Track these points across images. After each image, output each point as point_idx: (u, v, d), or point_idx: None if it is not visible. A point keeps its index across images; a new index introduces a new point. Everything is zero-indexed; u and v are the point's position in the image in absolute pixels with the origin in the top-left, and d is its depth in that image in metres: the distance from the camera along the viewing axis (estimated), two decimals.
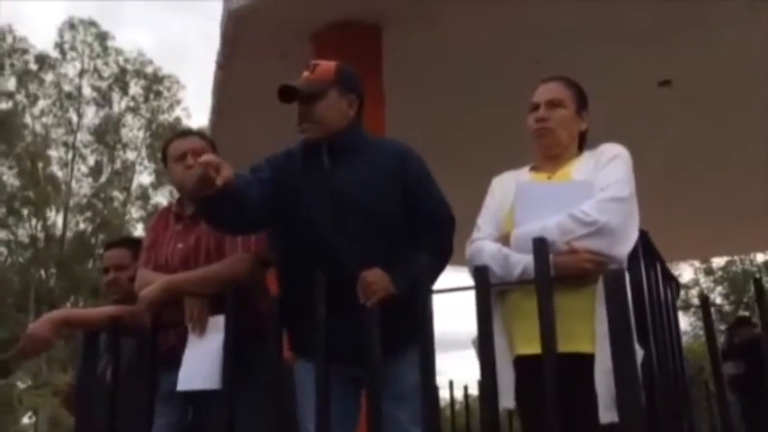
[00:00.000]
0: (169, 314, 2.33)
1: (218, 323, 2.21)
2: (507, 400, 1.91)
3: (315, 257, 2.09)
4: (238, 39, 4.66)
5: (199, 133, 2.78)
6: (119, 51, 25.62)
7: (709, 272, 22.79)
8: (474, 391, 5.76)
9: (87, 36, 25.25)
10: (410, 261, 1.89)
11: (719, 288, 22.40)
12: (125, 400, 2.43)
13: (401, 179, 2.18)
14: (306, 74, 2.23)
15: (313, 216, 2.13)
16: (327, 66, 2.26)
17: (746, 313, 12.54)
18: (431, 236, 2.18)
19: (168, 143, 2.63)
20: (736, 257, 21.60)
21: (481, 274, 1.76)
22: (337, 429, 1.91)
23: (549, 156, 2.15)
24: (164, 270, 2.44)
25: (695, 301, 18.89)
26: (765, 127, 6.57)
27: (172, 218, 2.57)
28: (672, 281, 2.48)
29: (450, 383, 6.20)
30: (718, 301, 20.73)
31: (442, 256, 2.21)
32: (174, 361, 2.35)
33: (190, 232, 2.48)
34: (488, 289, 1.74)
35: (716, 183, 7.93)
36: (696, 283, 22.45)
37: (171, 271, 2.42)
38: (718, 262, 22.21)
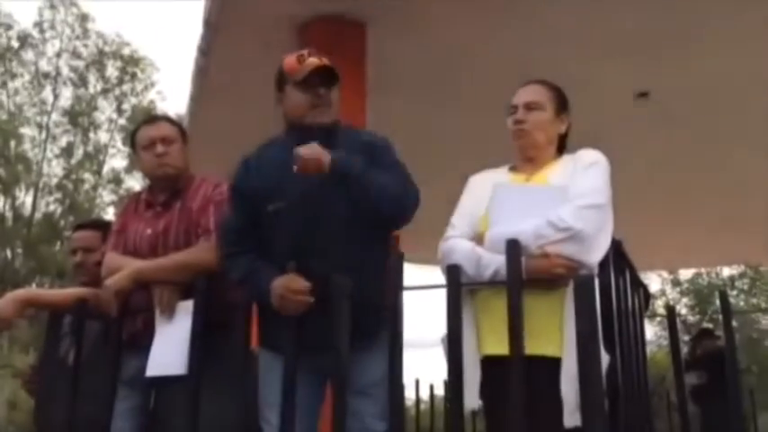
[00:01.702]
0: (137, 299, 2.31)
1: (186, 308, 2.20)
2: (473, 400, 1.92)
3: (286, 247, 2.09)
4: (221, 25, 4.62)
5: (168, 119, 2.70)
6: (99, 34, 25.22)
7: (676, 283, 23.14)
8: (439, 390, 5.80)
9: (68, 16, 24.82)
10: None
11: (685, 299, 22.76)
12: (87, 383, 2.41)
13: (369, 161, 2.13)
14: (318, 60, 2.20)
15: (283, 203, 2.13)
16: (326, 59, 2.25)
17: (710, 325, 12.77)
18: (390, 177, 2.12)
19: (136, 130, 2.58)
20: (702, 270, 21.97)
21: (452, 273, 1.77)
22: (299, 420, 1.90)
23: (527, 157, 2.17)
24: (132, 255, 2.42)
25: (661, 310, 19.18)
26: (739, 142, 6.69)
27: (142, 204, 2.54)
28: (641, 288, 2.51)
29: (417, 382, 6.23)
30: (684, 312, 21.09)
31: (395, 195, 2.08)
32: (139, 345, 2.33)
33: (159, 218, 2.46)
34: (459, 288, 1.75)
35: (688, 196, 8.06)
36: (663, 293, 22.79)
37: (139, 256, 2.39)
38: (684, 274, 22.57)
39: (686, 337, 12.11)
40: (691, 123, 6.39)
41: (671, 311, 2.43)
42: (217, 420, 2.13)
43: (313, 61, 2.19)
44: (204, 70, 5.11)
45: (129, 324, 2.35)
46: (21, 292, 2.51)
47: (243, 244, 2.19)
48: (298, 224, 2.10)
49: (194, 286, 2.13)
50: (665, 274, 21.82)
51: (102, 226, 2.90)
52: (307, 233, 2.09)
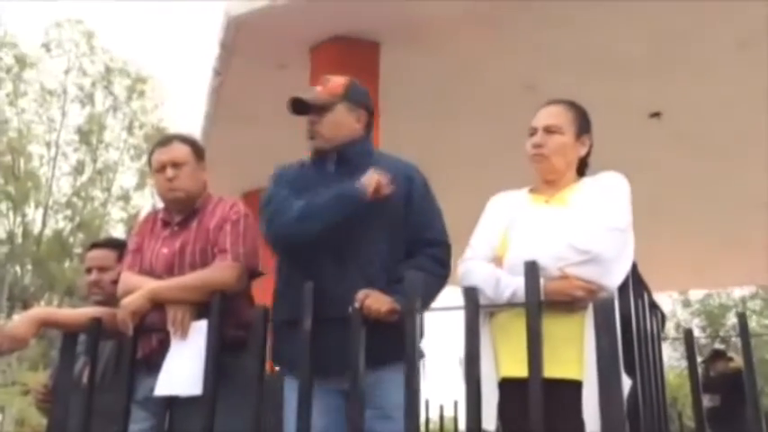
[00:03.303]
0: (152, 318, 2.30)
1: (199, 328, 2.19)
2: (489, 422, 1.90)
3: (308, 267, 2.11)
4: (236, 46, 4.65)
5: (182, 138, 2.61)
6: (105, 50, 25.44)
7: (686, 304, 22.98)
8: (450, 411, 5.76)
9: (74, 34, 25.06)
10: (408, 279, 1.89)
11: (696, 320, 22.59)
12: (102, 403, 2.40)
13: (405, 198, 2.22)
14: (318, 88, 2.33)
15: None
16: (338, 80, 2.35)
17: (722, 347, 12.65)
18: (428, 258, 2.19)
19: (152, 151, 2.58)
20: (713, 291, 21.81)
21: (470, 295, 1.76)
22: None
23: (546, 180, 2.16)
24: (148, 274, 2.41)
25: (671, 332, 19.05)
26: (750, 163, 6.68)
27: (159, 223, 2.54)
28: (657, 311, 2.49)
29: (426, 402, 6.19)
30: (696, 333, 20.88)
31: (438, 279, 2.18)
32: (153, 365, 2.32)
33: (176, 238, 2.45)
34: (477, 310, 1.74)
35: (698, 217, 8.02)
36: (674, 314, 22.63)
37: (155, 276, 2.38)
38: (695, 294, 22.41)
39: (699, 359, 11.97)
40: (703, 143, 6.38)
41: (689, 335, 2.41)
42: None
43: (317, 89, 2.32)
44: (219, 90, 5.15)
45: (145, 343, 2.34)
46: (36, 312, 2.50)
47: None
48: (320, 243, 2.13)
49: (209, 306, 2.12)
50: (675, 294, 21.68)
51: (117, 245, 2.88)
52: (328, 254, 2.13)
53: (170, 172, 2.45)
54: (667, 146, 6.40)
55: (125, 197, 26.12)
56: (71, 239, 24.32)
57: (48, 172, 24.65)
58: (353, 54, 4.43)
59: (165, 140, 2.62)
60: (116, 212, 26.11)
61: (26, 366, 18.36)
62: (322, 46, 4.49)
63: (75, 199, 25.04)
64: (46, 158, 24.73)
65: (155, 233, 2.51)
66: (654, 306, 2.44)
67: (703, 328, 21.93)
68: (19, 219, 23.92)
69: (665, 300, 21.44)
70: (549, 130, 2.13)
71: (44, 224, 24.18)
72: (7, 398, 15.94)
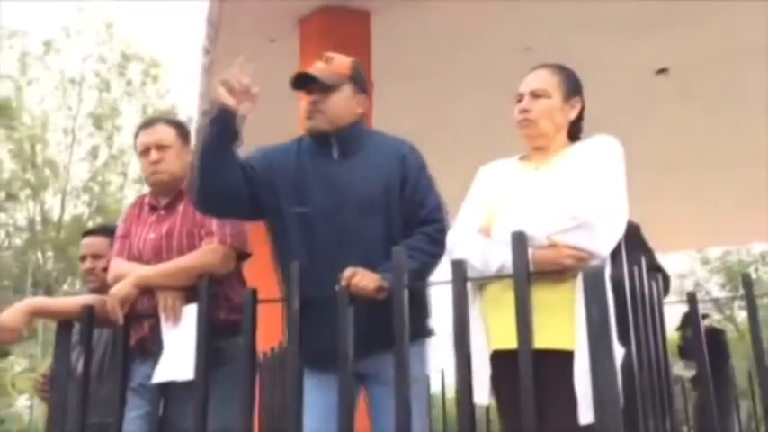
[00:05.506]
0: (143, 304, 2.29)
1: (191, 312, 2.17)
2: (483, 395, 1.87)
3: (310, 252, 2.10)
4: (224, 22, 4.58)
5: (167, 120, 2.58)
6: (123, 38, 25.43)
7: (705, 261, 22.80)
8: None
9: (94, 21, 25.03)
10: (394, 255, 1.83)
11: (716, 278, 22.43)
12: (101, 391, 2.40)
13: (400, 179, 2.18)
14: (321, 64, 2.23)
15: (312, 210, 2.14)
16: (344, 60, 2.27)
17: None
18: (421, 237, 2.14)
19: (136, 133, 2.53)
20: (732, 247, 21.61)
21: (458, 268, 1.71)
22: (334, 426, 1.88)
23: (536, 146, 2.09)
24: (137, 260, 2.40)
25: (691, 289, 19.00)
26: (762, 115, 6.52)
27: (146, 208, 2.51)
28: (659, 274, 2.43)
29: (442, 372, 6.18)
30: (715, 290, 20.77)
31: (431, 257, 2.12)
32: (145, 352, 2.32)
33: (163, 222, 2.43)
34: (465, 283, 1.69)
35: (712, 172, 7.89)
36: (692, 272, 22.47)
37: (144, 261, 2.38)
38: (714, 252, 22.22)
39: (717, 316, 11.92)
40: (713, 97, 6.25)
41: (692, 298, 2.35)
42: (226, 425, 2.11)
43: (320, 66, 2.22)
44: (210, 69, 5.08)
45: (137, 330, 2.33)
46: (27, 302, 2.49)
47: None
48: (320, 230, 2.12)
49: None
50: (693, 252, 21.50)
51: (110, 231, 2.87)
52: (328, 241, 2.11)
53: (154, 154, 2.42)
54: (677, 102, 6.26)
55: (141, 180, 26.27)
56: (90, 224, 24.59)
57: (66, 158, 24.84)
58: (344, 24, 4.33)
59: (150, 122, 2.59)
60: (133, 196, 26.32)
61: (51, 352, 18.70)
62: (310, 17, 4.39)
63: (91, 184, 25.26)
64: (63, 145, 24.90)
65: (142, 218, 2.50)
66: (656, 269, 2.38)
67: (723, 285, 21.77)
68: (38, 206, 24.22)
69: (683, 258, 21.27)
70: (535, 95, 2.06)
71: (63, 210, 24.45)
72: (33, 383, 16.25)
